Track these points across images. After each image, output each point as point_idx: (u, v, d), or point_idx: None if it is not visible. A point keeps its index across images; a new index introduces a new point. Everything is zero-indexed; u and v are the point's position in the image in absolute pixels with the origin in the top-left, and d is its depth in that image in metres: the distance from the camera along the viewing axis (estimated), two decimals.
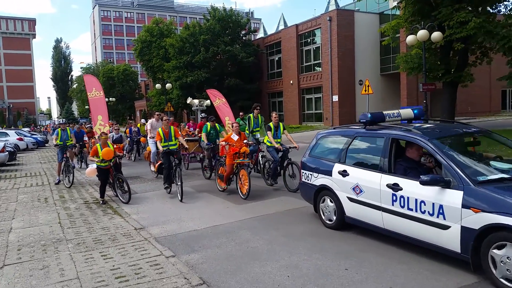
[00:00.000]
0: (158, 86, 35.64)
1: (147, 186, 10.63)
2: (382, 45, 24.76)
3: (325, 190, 6.15)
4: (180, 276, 4.51)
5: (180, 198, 8.52)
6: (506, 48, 15.59)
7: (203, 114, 13.15)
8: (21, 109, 78.70)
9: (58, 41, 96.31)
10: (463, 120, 26.27)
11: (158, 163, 9.78)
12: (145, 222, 6.99)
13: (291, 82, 35.48)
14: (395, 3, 20.09)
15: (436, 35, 14.77)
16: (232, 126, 9.36)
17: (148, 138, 12.86)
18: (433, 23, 16.00)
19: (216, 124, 11.38)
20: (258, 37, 45.57)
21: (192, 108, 17.51)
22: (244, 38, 40.40)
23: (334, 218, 5.96)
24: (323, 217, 6.21)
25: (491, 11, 17.96)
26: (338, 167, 5.89)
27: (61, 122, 12.27)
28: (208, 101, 16.96)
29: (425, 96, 15.84)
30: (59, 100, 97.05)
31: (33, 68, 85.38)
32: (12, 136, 26.55)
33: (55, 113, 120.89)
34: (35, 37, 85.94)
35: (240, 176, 8.55)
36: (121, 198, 8.84)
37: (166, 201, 8.69)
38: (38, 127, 61.56)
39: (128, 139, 17.33)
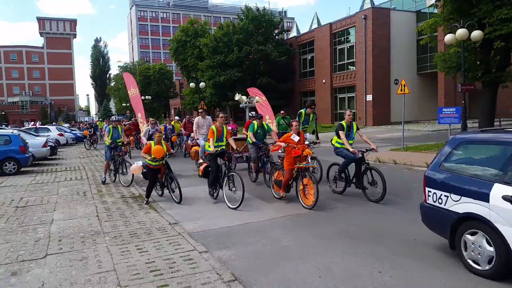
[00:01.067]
0: (192, 84, 36.26)
1: (182, 183, 10.69)
2: (419, 44, 24.13)
3: (474, 221, 4.37)
4: (213, 271, 4.59)
5: (236, 205, 7.54)
6: None
7: (252, 113, 12.44)
8: (61, 106, 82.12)
9: (97, 41, 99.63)
10: (503, 122, 25.24)
11: (203, 166, 8.61)
12: (179, 218, 7.14)
13: (324, 81, 35.17)
14: (432, 1, 19.51)
15: (476, 33, 14.23)
16: (292, 126, 8.17)
17: (195, 138, 12.48)
18: (472, 21, 15.43)
19: (264, 123, 10.44)
20: (291, 36, 45.45)
21: (240, 105, 16.35)
22: (277, 37, 40.43)
23: (492, 263, 4.16)
24: (468, 259, 4.43)
25: None
26: (501, 189, 4.07)
27: (114, 119, 12.11)
28: (257, 98, 16.07)
29: (463, 96, 15.33)
30: (97, 97, 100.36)
31: (73, 66, 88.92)
32: (53, 132, 27.77)
33: (93, 110, 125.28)
34: (75, 37, 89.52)
35: (304, 184, 7.50)
36: (174, 198, 8.52)
37: (200, 197, 8.83)
38: (81, 123, 64.08)
39: (164, 136, 17.70)
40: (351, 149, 7.92)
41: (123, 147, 11.67)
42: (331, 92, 34.68)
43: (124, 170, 10.96)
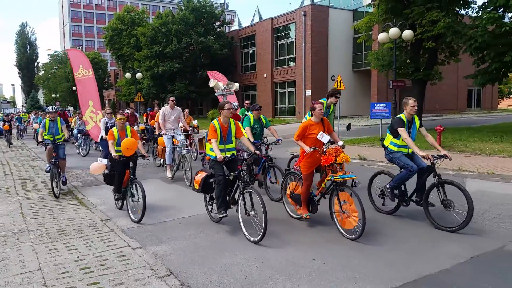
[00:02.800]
0: (128, 75, 34.94)
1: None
2: (356, 42, 25.14)
3: None
4: (147, 267, 4.44)
5: (257, 238, 5.14)
6: (472, 48, 16.14)
7: (235, 104, 10.18)
8: None
9: (23, 26, 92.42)
10: (430, 117, 27.11)
11: (202, 176, 6.01)
12: (111, 213, 6.84)
13: (265, 75, 35.52)
14: (369, 1, 20.42)
15: (407, 33, 15.11)
16: (315, 110, 5.66)
17: (162, 133, 9.85)
18: (405, 21, 16.36)
19: (262, 116, 8.31)
20: (232, 29, 45.32)
21: (216, 94, 13.54)
22: (218, 29, 40.09)
23: None
24: None
25: (460, 12, 18.56)
26: None
27: (51, 110, 9.36)
28: (237, 85, 13.49)
29: (394, 93, 16.21)
30: (24, 87, 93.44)
31: None
32: None
33: (19, 101, 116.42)
34: None
35: (342, 199, 5.24)
36: (131, 215, 6.41)
37: None
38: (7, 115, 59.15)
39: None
40: (421, 154, 5.48)
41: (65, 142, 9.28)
42: (272, 87, 35.12)
43: (57, 179, 8.43)
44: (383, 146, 6.20)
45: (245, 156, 6.09)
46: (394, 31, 14.72)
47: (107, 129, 10.07)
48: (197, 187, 6.04)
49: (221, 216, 5.76)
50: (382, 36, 15.37)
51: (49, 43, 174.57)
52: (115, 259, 4.71)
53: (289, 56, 33.72)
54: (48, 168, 9.06)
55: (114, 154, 6.60)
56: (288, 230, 5.69)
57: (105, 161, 7.06)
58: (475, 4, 18.54)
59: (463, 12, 18.91)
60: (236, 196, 5.82)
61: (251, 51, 38.21)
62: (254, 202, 5.36)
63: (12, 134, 21.95)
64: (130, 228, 6.00)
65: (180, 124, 10.11)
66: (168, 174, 9.80)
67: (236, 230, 5.74)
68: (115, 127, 6.99)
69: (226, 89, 12.97)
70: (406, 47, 19.08)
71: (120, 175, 6.78)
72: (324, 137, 5.55)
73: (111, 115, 10.66)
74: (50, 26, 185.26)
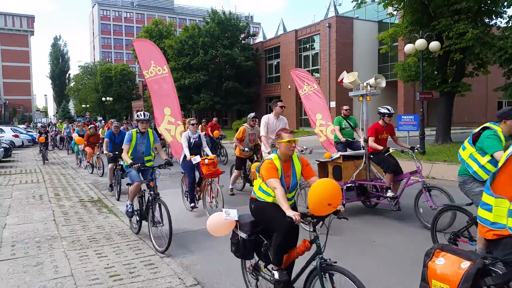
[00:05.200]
0: None
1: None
2: (380, 53, 24.98)
3: None
4: (175, 276, 4.52)
5: None
6: (502, 59, 15.76)
7: (384, 109, 7.56)
8: (17, 106, 78.38)
9: (56, 39, 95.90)
10: (460, 130, 26.49)
11: (471, 271, 2.36)
12: None
13: (289, 87, 35.60)
14: (391, 11, 20.26)
15: (434, 45, 14.90)
16: None
17: (266, 151, 7.23)
18: (431, 32, 16.16)
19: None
20: (257, 41, 45.77)
21: (350, 94, 8.66)
22: (243, 41, 40.57)
23: None
24: None
25: (488, 22, 18.20)
26: None
27: (141, 117, 6.00)
28: (384, 79, 8.28)
29: (421, 104, 15.96)
30: (56, 98, 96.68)
31: (30, 65, 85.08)
32: (7, 133, 26.51)
33: (51, 111, 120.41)
34: (33, 34, 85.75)
35: None
36: None
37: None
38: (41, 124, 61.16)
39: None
40: None
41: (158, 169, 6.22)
42: (296, 98, 35.11)
43: (158, 217, 5.74)
44: None
45: None
46: (420, 42, 14.55)
47: (191, 146, 7.58)
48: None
49: None
50: (408, 47, 15.21)
51: (80, 55, 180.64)
52: (143, 267, 4.82)
53: (314, 68, 33.74)
54: (130, 209, 6.29)
55: (290, 213, 3.06)
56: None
57: (233, 213, 3.74)
58: (506, 14, 18.13)
59: (492, 22, 18.53)
60: None
61: (275, 63, 38.43)
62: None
63: (48, 148, 19.15)
64: (158, 237, 6.10)
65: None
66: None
67: None
68: (275, 155, 3.65)
69: (370, 86, 8.22)
70: (433, 58, 18.80)
71: (288, 243, 3.53)
72: None
73: (196, 127, 7.88)
74: (81, 39, 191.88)
